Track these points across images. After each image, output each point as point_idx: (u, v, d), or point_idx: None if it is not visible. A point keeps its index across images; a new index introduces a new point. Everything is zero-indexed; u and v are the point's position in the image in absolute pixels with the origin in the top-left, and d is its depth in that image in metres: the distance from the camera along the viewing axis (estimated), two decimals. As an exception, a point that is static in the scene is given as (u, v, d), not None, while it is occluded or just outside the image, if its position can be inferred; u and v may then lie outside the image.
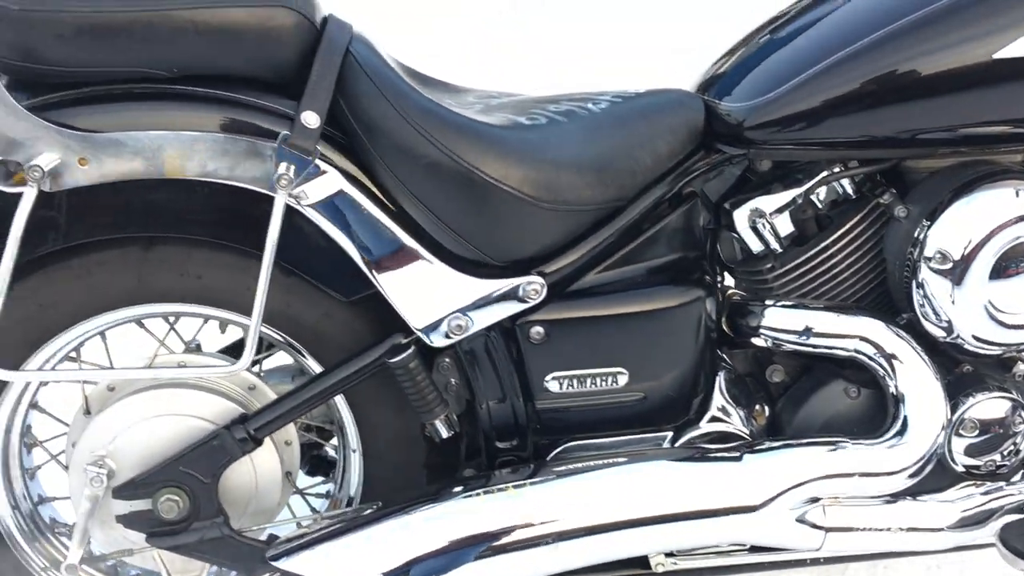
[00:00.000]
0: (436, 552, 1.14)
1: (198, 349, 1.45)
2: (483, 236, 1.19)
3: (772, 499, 1.18)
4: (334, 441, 1.48)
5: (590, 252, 1.24)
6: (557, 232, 1.22)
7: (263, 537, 1.30)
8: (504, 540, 1.15)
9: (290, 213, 1.17)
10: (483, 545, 1.15)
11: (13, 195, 1.11)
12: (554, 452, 1.29)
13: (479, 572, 1.14)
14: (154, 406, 1.29)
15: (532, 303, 1.20)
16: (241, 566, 1.30)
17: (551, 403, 1.25)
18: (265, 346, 1.40)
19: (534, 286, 1.20)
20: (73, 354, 1.32)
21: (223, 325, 1.39)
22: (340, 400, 1.32)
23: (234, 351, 1.45)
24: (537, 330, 1.22)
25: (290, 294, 1.26)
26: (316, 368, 1.32)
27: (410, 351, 1.20)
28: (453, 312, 1.19)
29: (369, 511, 1.23)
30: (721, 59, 1.42)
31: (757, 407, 1.35)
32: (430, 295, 1.19)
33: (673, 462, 1.23)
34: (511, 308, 1.20)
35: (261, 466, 1.32)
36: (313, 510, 1.46)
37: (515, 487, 1.18)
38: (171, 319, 1.36)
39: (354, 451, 1.37)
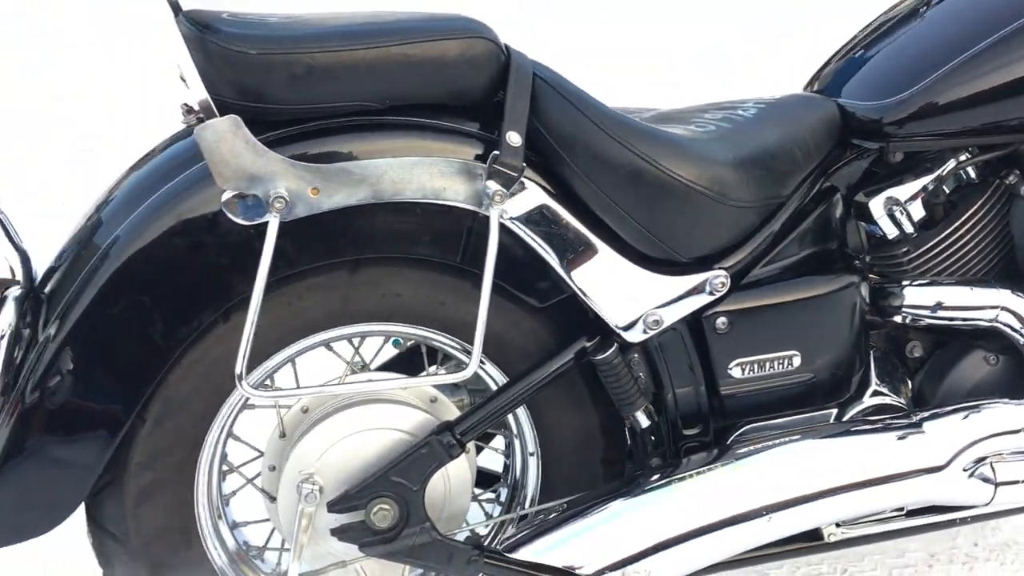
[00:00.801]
0: (663, 533, 1.23)
1: (365, 367, 1.52)
2: (676, 235, 1.29)
3: (953, 459, 1.29)
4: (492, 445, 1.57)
5: (761, 245, 1.34)
6: (736, 228, 1.32)
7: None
8: (716, 518, 1.24)
9: (485, 228, 1.26)
10: (697, 524, 1.24)
11: (240, 229, 1.19)
12: (734, 435, 1.38)
13: (699, 550, 1.23)
14: (356, 423, 1.35)
15: (718, 295, 1.30)
16: (450, 568, 1.36)
17: (733, 388, 1.35)
18: (440, 358, 1.47)
19: (720, 279, 1.30)
20: (268, 381, 1.38)
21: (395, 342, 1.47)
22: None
23: (394, 366, 1.53)
24: (722, 320, 1.31)
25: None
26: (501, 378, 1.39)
27: (613, 348, 1.28)
28: (649, 309, 1.28)
29: (583, 501, 1.31)
30: (834, 63, 1.56)
31: (906, 380, 1.47)
32: (627, 295, 1.28)
33: (854, 435, 1.33)
34: (700, 301, 1.30)
35: (454, 472, 1.39)
36: (488, 516, 1.53)
37: (724, 467, 1.26)
38: (356, 340, 1.43)
39: (532, 454, 1.44)
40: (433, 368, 1.46)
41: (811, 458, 1.29)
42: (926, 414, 1.34)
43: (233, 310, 1.24)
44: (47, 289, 1.27)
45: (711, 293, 1.30)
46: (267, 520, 1.48)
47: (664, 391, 1.35)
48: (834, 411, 1.41)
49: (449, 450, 1.31)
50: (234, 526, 1.43)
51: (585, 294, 1.28)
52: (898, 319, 1.45)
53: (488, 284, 1.19)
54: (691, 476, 1.27)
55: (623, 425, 1.43)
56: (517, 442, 1.46)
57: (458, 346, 1.37)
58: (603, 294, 1.28)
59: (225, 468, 1.42)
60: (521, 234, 1.25)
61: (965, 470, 1.32)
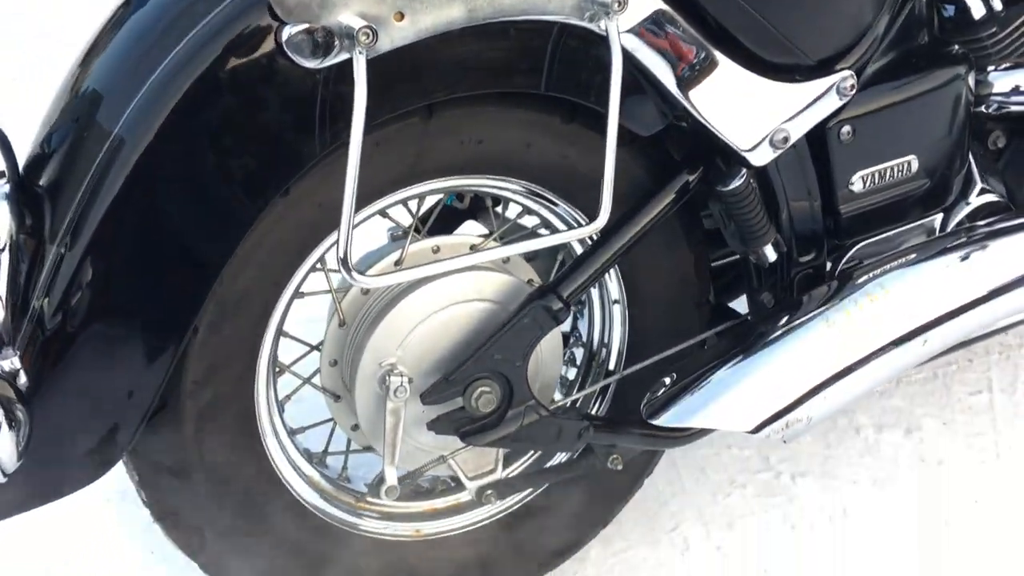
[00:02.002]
0: (816, 376, 1.10)
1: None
2: (803, 32, 1.10)
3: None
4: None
5: (876, 40, 1.17)
6: (858, 20, 1.15)
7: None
8: (868, 350, 1.12)
9: (578, 52, 1.04)
10: (850, 360, 1.12)
11: (304, 76, 0.92)
12: (846, 257, 1.25)
13: (852, 384, 1.12)
14: (438, 299, 1.14)
15: (847, 99, 1.13)
16: (558, 445, 1.21)
17: (853, 204, 1.21)
18: (503, 206, 1.26)
19: (849, 81, 1.13)
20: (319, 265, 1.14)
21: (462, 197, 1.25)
22: None
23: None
24: (847, 129, 1.16)
25: (570, 145, 1.13)
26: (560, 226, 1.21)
27: (743, 176, 1.11)
28: (777, 125, 1.11)
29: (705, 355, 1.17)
30: None
31: (1001, 175, 1.36)
32: (753, 111, 1.09)
33: (977, 240, 1.22)
34: (829, 108, 1.13)
35: (544, 339, 1.21)
36: (579, 383, 1.35)
37: (858, 295, 1.14)
38: (415, 201, 1.19)
39: (616, 302, 1.28)
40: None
41: (944, 271, 1.18)
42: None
43: (294, 182, 0.99)
44: (43, 181, 0.97)
45: (841, 97, 1.13)
46: (327, 422, 1.28)
47: (781, 217, 1.19)
48: (940, 216, 1.30)
49: (556, 315, 1.13)
50: (291, 433, 1.22)
51: (704, 116, 1.08)
52: (983, 109, 1.33)
53: (615, 109, 0.98)
54: (827, 310, 1.14)
55: (709, 264, 1.29)
56: (596, 295, 1.29)
57: (545, 197, 1.17)
58: (725, 113, 1.09)
59: (276, 370, 1.19)
60: (630, 49, 1.04)
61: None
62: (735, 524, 1.52)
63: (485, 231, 1.30)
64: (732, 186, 1.11)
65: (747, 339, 1.14)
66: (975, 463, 1.59)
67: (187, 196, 0.95)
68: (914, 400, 1.69)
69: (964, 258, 1.18)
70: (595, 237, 1.15)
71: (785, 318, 1.15)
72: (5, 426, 0.79)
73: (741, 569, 1.45)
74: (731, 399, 1.09)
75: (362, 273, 0.99)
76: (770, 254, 1.17)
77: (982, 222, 1.28)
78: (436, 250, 1.19)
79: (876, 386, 1.17)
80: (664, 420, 1.11)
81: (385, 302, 1.15)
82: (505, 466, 1.26)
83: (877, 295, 1.12)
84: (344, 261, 0.91)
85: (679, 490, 1.57)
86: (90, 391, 0.95)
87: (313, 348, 1.24)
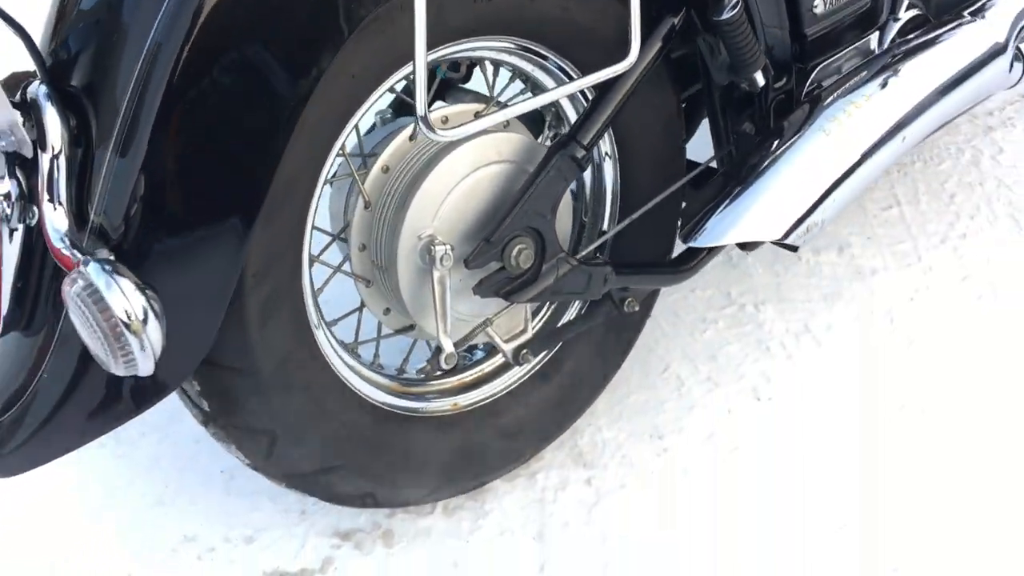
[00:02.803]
0: (822, 184, 1.20)
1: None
2: None
3: (1008, 38, 1.35)
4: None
5: None
6: None
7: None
8: (860, 154, 1.23)
9: None
10: (847, 165, 1.22)
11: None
12: (809, 80, 1.34)
13: (851, 186, 1.22)
14: (461, 166, 1.15)
15: None
16: (588, 292, 1.25)
17: (815, 27, 1.29)
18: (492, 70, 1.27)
19: None
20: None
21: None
22: None
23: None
24: None
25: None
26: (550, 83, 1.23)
27: (738, 4, 1.16)
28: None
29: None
30: None
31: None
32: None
33: (923, 47, 1.34)
34: None
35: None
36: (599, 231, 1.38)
37: (840, 107, 1.24)
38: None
39: (608, 156, 1.32)
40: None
41: (908, 76, 1.29)
42: (975, 8, 1.38)
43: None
44: (75, 84, 0.90)
45: None
46: (352, 312, 1.27)
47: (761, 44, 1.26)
48: (877, 34, 1.41)
49: (581, 163, 1.17)
50: (329, 325, 1.21)
51: None
52: None
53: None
54: (822, 123, 1.23)
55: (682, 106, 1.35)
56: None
57: (538, 54, 1.19)
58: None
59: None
60: None
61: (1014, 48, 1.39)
62: (717, 355, 1.63)
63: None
64: (727, 16, 1.16)
65: (758, 159, 1.22)
66: (902, 267, 1.77)
67: (242, 84, 0.91)
68: (838, 223, 1.85)
69: (916, 64, 1.30)
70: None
71: (782, 137, 1.23)
72: (152, 314, 0.75)
73: (735, 391, 1.56)
74: (759, 213, 1.17)
75: (434, 130, 1.00)
76: (760, 80, 1.25)
77: (912, 35, 1.41)
78: (445, 120, 1.19)
79: (871, 183, 1.28)
80: (703, 241, 1.18)
81: (409, 178, 1.15)
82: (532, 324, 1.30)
83: (860, 103, 1.23)
84: (424, 118, 0.91)
85: (660, 335, 1.66)
86: (173, 292, 0.91)
87: (336, 237, 1.22)
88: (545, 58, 1.21)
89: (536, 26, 1.15)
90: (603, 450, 1.49)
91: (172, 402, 1.12)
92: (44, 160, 0.85)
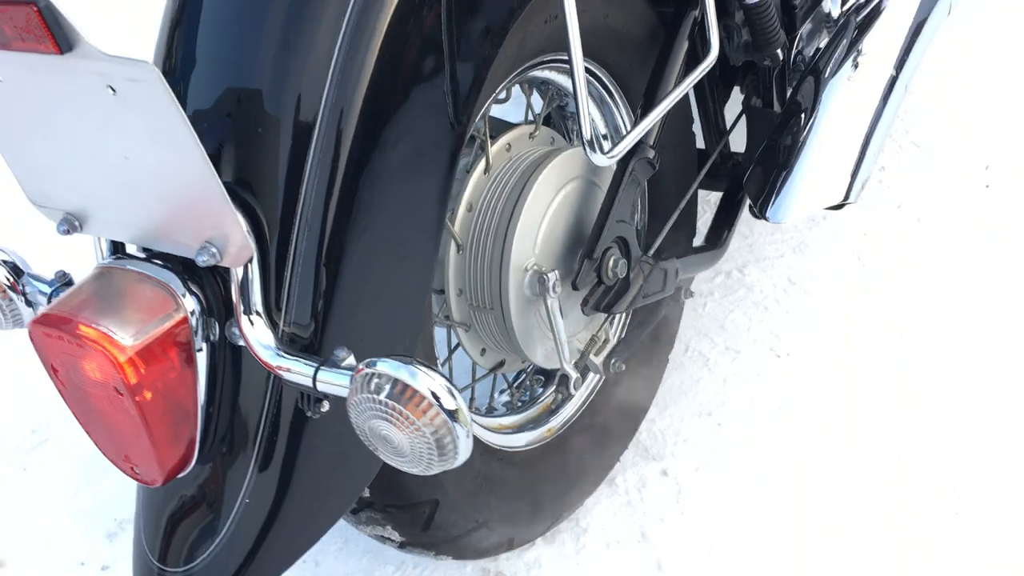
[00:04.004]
0: (859, 137, 1.26)
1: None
2: None
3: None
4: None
5: None
6: None
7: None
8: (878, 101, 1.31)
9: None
10: (870, 115, 1.29)
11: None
12: (794, 50, 1.41)
13: (883, 132, 1.30)
14: (547, 192, 1.12)
15: None
16: (666, 289, 1.26)
17: (797, 3, 1.36)
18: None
19: None
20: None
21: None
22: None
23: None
24: None
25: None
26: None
27: None
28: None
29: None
30: None
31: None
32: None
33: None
34: None
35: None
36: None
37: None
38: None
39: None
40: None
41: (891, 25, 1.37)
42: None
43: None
44: (246, 184, 0.80)
45: None
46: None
47: None
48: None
49: (653, 163, 1.17)
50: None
51: None
52: None
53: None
54: (843, 83, 1.29)
55: None
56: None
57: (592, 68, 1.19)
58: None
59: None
60: None
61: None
62: (725, 325, 1.69)
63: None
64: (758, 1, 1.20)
65: (796, 133, 1.26)
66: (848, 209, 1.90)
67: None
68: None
69: (887, 15, 1.40)
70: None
71: (811, 108, 1.29)
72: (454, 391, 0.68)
73: (755, 354, 1.62)
74: (822, 181, 1.22)
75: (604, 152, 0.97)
76: (780, 56, 1.30)
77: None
78: (508, 147, 1.16)
79: (890, 128, 1.36)
80: (782, 216, 1.22)
81: (500, 212, 1.11)
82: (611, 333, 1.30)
83: (861, 60, 1.30)
84: (591, 142, 0.89)
85: (670, 318, 1.70)
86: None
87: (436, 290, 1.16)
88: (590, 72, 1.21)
89: (588, 38, 1.15)
90: (664, 440, 1.51)
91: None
92: (237, 271, 0.76)
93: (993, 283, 1.69)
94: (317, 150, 0.79)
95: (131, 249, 0.84)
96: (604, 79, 1.24)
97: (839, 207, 1.29)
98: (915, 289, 1.70)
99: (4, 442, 1.50)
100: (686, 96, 1.34)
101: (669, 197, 1.35)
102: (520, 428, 1.26)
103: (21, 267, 0.92)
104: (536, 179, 1.11)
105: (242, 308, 0.77)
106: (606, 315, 1.20)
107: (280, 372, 0.76)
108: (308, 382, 0.75)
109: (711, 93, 1.39)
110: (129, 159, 0.72)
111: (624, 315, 1.35)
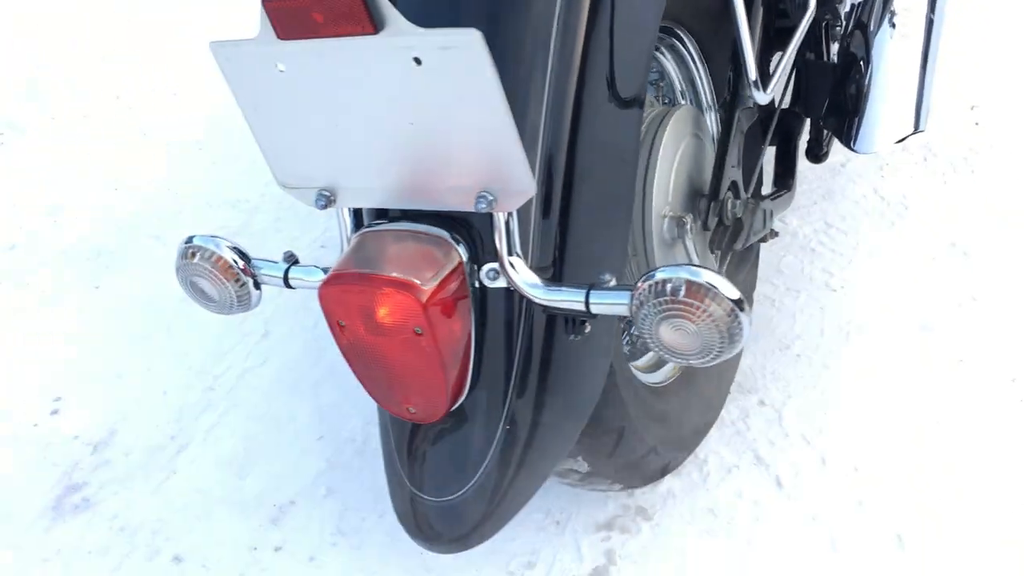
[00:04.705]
0: (916, 71, 1.41)
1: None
2: None
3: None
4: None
5: None
6: None
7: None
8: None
9: None
10: (920, 50, 1.44)
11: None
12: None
13: (935, 66, 1.45)
14: (673, 145, 1.24)
15: None
16: (767, 225, 1.39)
17: None
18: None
19: None
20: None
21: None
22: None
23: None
24: None
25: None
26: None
27: None
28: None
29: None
30: None
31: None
32: None
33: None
34: None
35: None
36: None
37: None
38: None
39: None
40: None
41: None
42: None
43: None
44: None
45: None
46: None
47: None
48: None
49: (753, 112, 1.30)
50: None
51: None
52: None
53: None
54: (892, 29, 1.44)
55: None
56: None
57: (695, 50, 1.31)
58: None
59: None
60: None
61: None
62: (781, 268, 1.82)
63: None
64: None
65: (861, 76, 1.41)
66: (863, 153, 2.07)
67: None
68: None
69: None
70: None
71: (865, 54, 1.43)
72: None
73: (815, 290, 1.76)
74: (895, 113, 1.37)
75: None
76: (846, 6, 1.44)
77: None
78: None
79: (940, 57, 1.52)
80: (866, 148, 1.35)
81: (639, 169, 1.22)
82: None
83: (900, 10, 1.45)
84: (755, 81, 1.01)
85: (731, 267, 1.83)
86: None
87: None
88: (671, 34, 1.33)
89: (682, 5, 1.27)
90: (754, 374, 1.63)
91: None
92: (500, 218, 0.86)
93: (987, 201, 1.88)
94: (548, 109, 0.89)
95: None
96: (687, 41, 1.36)
97: (909, 136, 1.44)
98: (931, 215, 1.88)
99: (148, 453, 1.55)
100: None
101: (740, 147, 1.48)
102: (656, 367, 1.36)
103: (246, 252, 1.00)
104: (663, 135, 1.22)
105: (505, 251, 0.86)
106: (724, 254, 1.31)
107: (551, 304, 0.85)
108: (581, 307, 0.84)
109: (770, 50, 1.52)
110: (415, 124, 0.80)
111: (727, 257, 1.47)
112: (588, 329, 0.90)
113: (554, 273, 0.91)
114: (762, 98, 1.11)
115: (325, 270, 0.94)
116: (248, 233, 1.95)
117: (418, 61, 0.76)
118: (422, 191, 0.86)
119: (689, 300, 0.78)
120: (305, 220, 1.94)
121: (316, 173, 0.88)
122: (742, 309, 0.79)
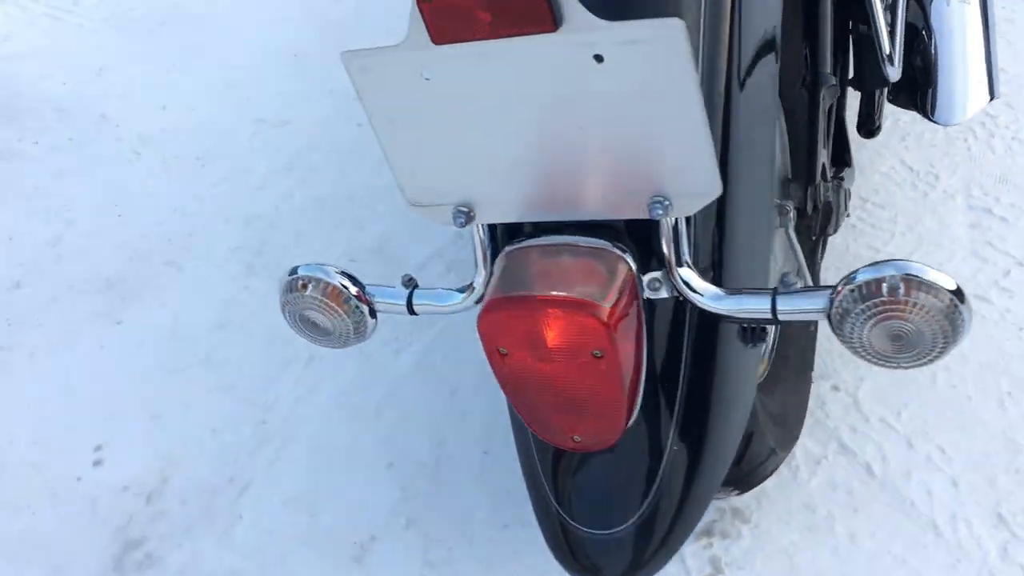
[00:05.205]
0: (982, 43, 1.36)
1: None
2: None
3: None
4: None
5: None
6: None
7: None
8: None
9: None
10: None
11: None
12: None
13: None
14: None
15: None
16: (847, 205, 1.33)
17: None
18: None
19: None
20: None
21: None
22: None
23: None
24: None
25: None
26: None
27: None
28: None
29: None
30: None
31: None
32: None
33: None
34: None
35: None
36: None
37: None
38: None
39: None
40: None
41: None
42: None
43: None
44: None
45: None
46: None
47: None
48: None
49: (833, 90, 1.24)
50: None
51: None
52: None
53: None
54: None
55: None
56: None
57: None
58: None
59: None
60: None
61: None
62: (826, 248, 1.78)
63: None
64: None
65: (925, 47, 1.35)
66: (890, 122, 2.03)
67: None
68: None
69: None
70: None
71: (925, 24, 1.38)
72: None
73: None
74: (971, 83, 1.32)
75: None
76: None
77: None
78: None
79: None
80: (948, 119, 1.30)
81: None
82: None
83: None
84: (888, 56, 0.94)
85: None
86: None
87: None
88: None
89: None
90: (822, 359, 1.58)
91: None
92: (667, 224, 0.78)
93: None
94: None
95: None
96: None
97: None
98: (961, 183, 1.85)
99: (208, 498, 1.43)
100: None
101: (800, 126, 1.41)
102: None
103: (357, 278, 0.90)
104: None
105: (674, 260, 0.78)
106: (818, 240, 1.25)
107: (734, 314, 0.78)
108: (767, 314, 0.77)
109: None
110: (584, 128, 0.72)
111: (820, 243, 1.42)
112: (768, 337, 0.83)
113: (713, 278, 0.84)
114: (894, 74, 1.05)
115: (461, 290, 0.86)
116: (269, 250, 1.83)
117: (599, 58, 0.67)
118: (581, 200, 0.77)
119: (907, 298, 0.71)
120: (331, 233, 1.83)
121: (453, 188, 0.79)
122: (962, 299, 0.72)
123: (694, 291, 0.79)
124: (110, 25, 2.59)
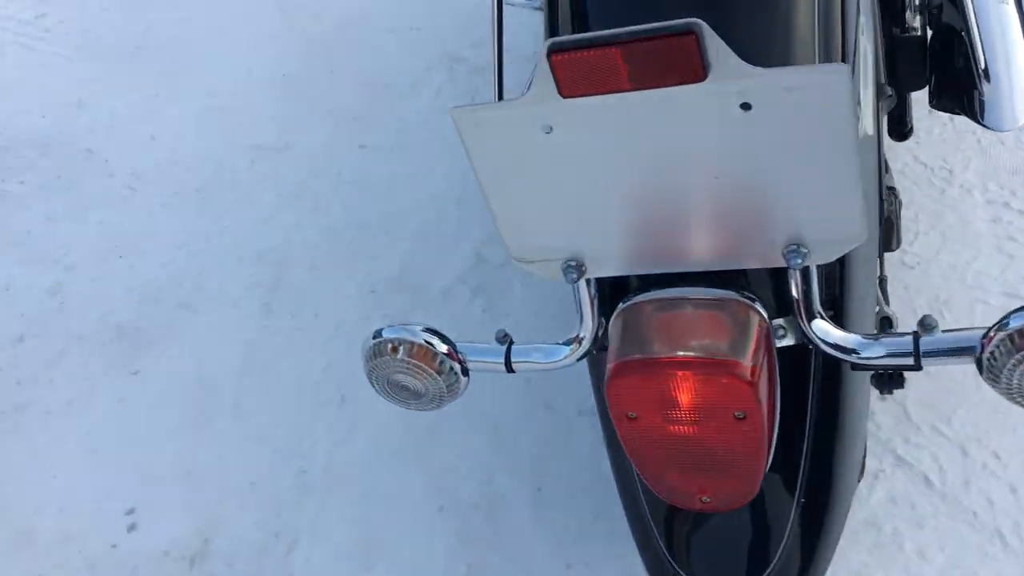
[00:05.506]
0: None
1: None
2: None
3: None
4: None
5: None
6: None
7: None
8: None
9: None
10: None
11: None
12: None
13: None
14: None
15: None
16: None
17: None
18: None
19: None
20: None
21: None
22: None
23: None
24: None
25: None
26: None
27: None
28: None
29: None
30: None
31: None
32: None
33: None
34: None
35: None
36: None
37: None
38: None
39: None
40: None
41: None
42: None
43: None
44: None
45: None
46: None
47: None
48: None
49: (892, 98, 1.20)
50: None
51: None
52: None
53: None
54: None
55: None
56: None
57: None
58: None
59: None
60: None
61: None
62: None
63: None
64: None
65: (967, 49, 1.32)
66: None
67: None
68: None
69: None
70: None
71: (964, 26, 1.35)
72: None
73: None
74: (1018, 84, 1.29)
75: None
76: (929, -15, 1.35)
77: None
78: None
79: None
80: (1008, 125, 1.27)
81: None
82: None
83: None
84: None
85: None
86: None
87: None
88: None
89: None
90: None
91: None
92: (797, 274, 0.73)
93: None
94: None
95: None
96: None
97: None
98: (976, 177, 1.83)
99: (256, 557, 1.36)
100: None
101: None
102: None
103: (445, 335, 0.85)
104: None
105: (803, 308, 0.74)
106: (880, 258, 1.22)
107: (874, 363, 0.74)
108: (909, 360, 0.73)
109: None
110: (721, 178, 0.67)
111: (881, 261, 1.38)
112: (903, 385, 0.79)
113: (833, 320, 0.79)
114: (989, 91, 1.01)
115: (567, 343, 0.81)
116: (285, 287, 1.76)
117: (746, 107, 0.63)
118: (704, 250, 0.73)
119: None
120: (347, 264, 1.76)
121: (562, 243, 0.74)
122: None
123: (827, 341, 0.74)
124: (84, 53, 2.48)
